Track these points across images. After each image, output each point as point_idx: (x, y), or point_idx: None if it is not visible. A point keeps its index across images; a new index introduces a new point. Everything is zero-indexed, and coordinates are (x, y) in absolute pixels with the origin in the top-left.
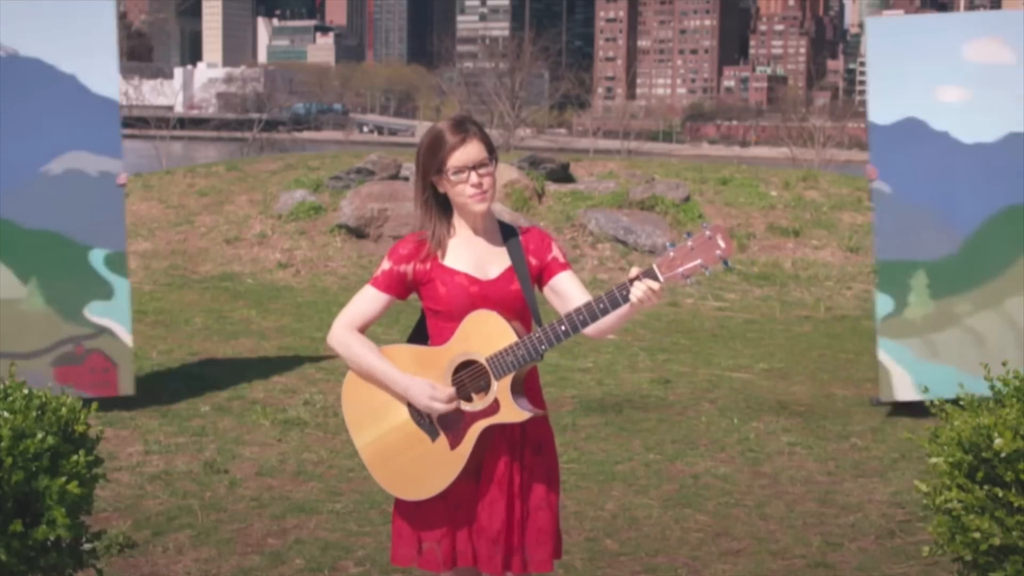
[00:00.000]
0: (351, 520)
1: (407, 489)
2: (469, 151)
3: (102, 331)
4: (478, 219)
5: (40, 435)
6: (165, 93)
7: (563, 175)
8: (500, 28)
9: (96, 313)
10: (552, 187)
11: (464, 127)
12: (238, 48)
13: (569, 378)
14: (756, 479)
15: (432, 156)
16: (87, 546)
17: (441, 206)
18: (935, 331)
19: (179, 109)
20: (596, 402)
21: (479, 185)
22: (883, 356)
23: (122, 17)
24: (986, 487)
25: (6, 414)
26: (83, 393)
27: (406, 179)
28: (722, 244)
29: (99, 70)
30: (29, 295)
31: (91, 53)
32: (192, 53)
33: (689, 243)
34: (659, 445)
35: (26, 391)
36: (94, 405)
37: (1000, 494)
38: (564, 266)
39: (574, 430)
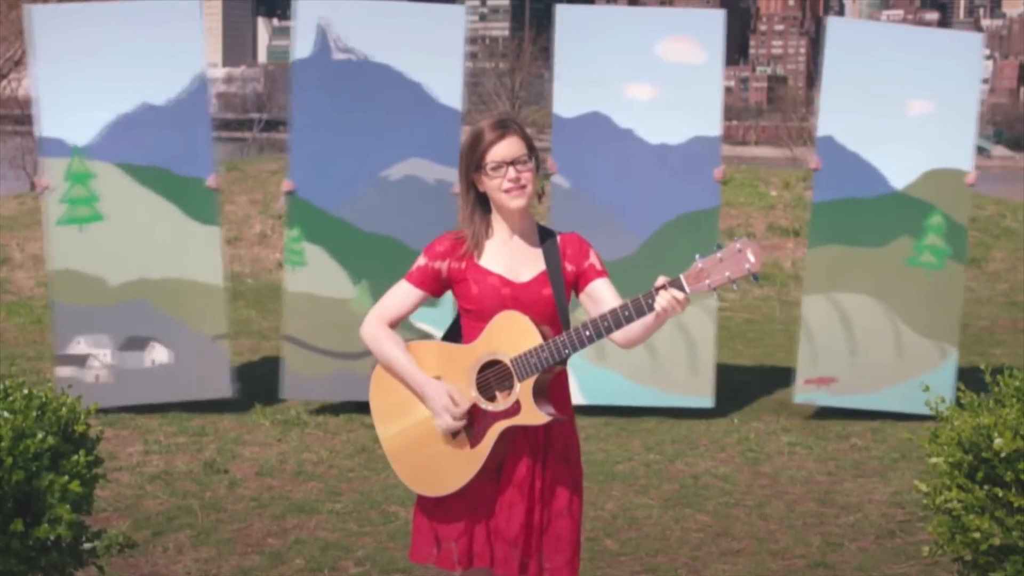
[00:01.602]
0: (351, 520)
1: (425, 485)
2: (508, 146)
3: (425, 337)
4: (516, 219)
5: (40, 435)
6: None
7: None
8: (500, 28)
9: (421, 319)
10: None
11: (504, 124)
12: (238, 48)
13: None
14: (756, 479)
15: (472, 152)
16: (87, 546)
17: (483, 206)
18: None
19: None
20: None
21: (516, 180)
22: None
23: None
24: (986, 487)
25: (6, 414)
26: None
27: None
28: (751, 258)
29: (445, 80)
30: (358, 296)
31: (439, 62)
32: None
33: (719, 255)
34: (659, 445)
35: (26, 391)
36: (94, 405)
37: (1000, 494)
38: (601, 273)
39: None
